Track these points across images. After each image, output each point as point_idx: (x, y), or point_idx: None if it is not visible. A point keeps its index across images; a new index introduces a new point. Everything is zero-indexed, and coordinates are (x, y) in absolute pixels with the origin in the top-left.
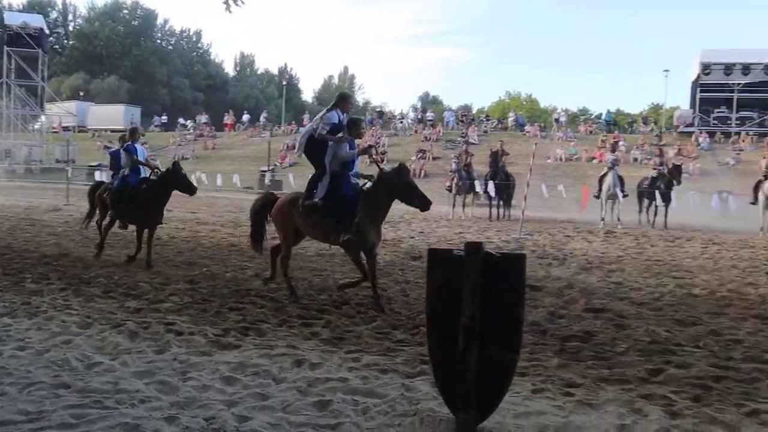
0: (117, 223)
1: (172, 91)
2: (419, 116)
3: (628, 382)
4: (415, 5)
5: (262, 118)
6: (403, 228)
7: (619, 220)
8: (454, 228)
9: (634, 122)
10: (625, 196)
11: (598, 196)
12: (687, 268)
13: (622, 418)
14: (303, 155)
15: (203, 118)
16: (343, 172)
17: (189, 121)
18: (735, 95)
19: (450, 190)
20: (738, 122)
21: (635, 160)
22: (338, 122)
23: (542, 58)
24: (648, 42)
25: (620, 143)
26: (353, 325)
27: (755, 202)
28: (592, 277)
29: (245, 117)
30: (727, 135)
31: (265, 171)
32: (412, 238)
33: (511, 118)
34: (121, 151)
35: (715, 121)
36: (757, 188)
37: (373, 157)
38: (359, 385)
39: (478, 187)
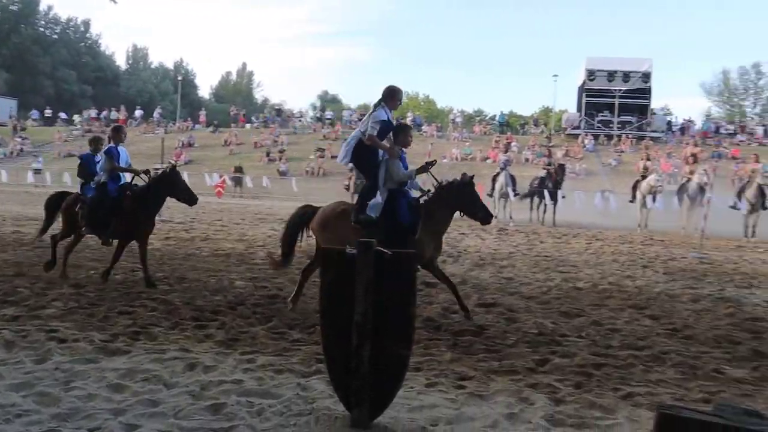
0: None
1: (57, 83)
2: (318, 115)
3: (517, 372)
4: (314, 4)
5: (156, 114)
6: None
7: (511, 218)
8: None
9: (526, 124)
10: (516, 195)
11: (491, 195)
12: (573, 263)
13: (511, 407)
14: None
15: (93, 112)
16: (401, 189)
17: (76, 115)
18: (617, 101)
19: (348, 189)
20: (619, 126)
21: (526, 160)
22: (387, 119)
23: (440, 59)
24: (540, 47)
25: (512, 144)
26: (249, 325)
27: (633, 200)
28: (484, 273)
29: (138, 112)
30: (610, 137)
31: (158, 169)
32: (310, 237)
33: (409, 118)
34: (101, 154)
35: (599, 125)
36: (635, 187)
37: (431, 173)
38: (254, 386)
39: None
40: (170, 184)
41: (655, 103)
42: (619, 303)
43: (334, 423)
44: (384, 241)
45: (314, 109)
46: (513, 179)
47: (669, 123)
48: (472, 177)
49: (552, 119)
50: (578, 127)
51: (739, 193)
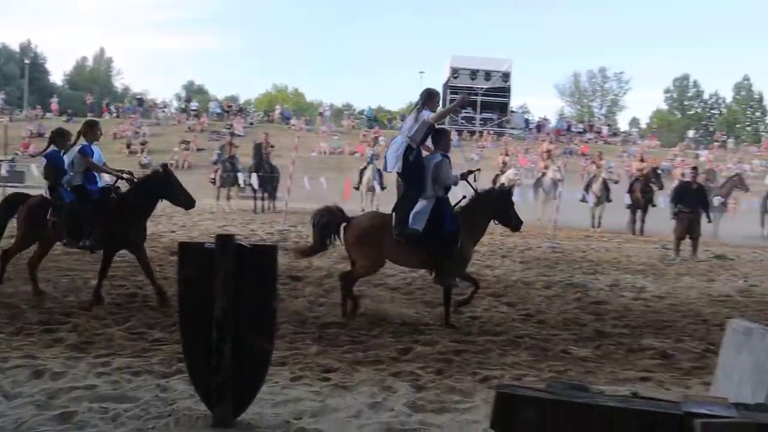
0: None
1: None
2: (183, 105)
3: (381, 362)
4: None
5: None
6: (164, 222)
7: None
8: (218, 221)
9: (393, 119)
10: (384, 188)
11: (358, 188)
12: None
13: (374, 397)
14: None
15: None
16: (445, 197)
17: None
18: (479, 98)
19: (214, 183)
20: (481, 122)
21: None
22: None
23: (310, 52)
24: (407, 43)
25: (380, 138)
26: (104, 327)
27: None
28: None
29: None
30: (473, 133)
31: (2, 161)
32: (173, 232)
33: (277, 110)
34: (76, 153)
35: (463, 121)
36: (495, 181)
37: (471, 182)
38: (109, 390)
39: (242, 180)
40: (163, 185)
41: (514, 101)
42: (479, 293)
43: (195, 423)
44: (429, 254)
45: (179, 99)
46: (380, 173)
47: (527, 121)
48: (511, 187)
49: None
50: (443, 123)
51: (587, 187)
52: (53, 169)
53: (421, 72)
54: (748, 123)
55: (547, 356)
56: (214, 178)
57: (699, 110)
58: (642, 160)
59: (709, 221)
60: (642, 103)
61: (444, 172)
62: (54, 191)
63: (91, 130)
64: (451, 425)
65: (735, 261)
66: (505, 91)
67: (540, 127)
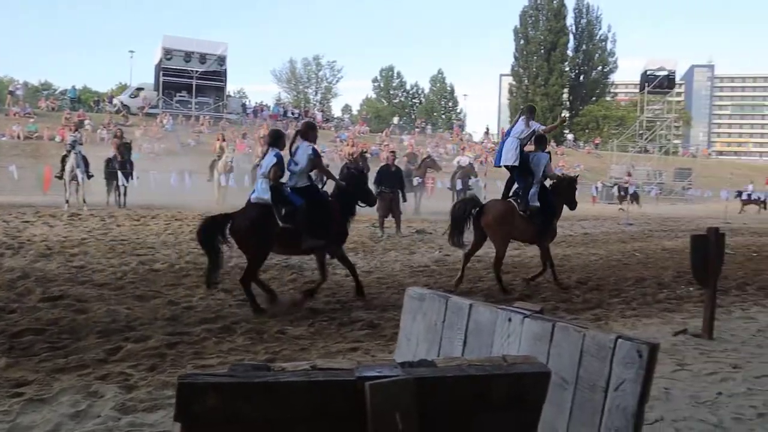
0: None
1: None
2: None
3: (86, 366)
4: None
5: None
6: None
7: (84, 201)
8: None
9: (102, 101)
10: (90, 176)
11: (60, 177)
12: (150, 245)
13: (77, 405)
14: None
15: None
16: (544, 183)
17: None
18: (194, 81)
19: None
20: (197, 106)
21: (102, 139)
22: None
23: None
24: (117, 20)
25: (86, 122)
26: None
27: (211, 179)
28: (52, 263)
29: None
30: (189, 117)
31: None
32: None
33: None
34: (311, 153)
35: (178, 105)
36: (212, 167)
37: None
38: None
39: None
40: (360, 184)
41: (231, 87)
42: (195, 281)
43: None
44: (541, 224)
45: None
46: (85, 160)
47: (244, 106)
48: (577, 177)
49: None
50: (156, 107)
51: None
52: (282, 171)
53: (131, 51)
54: (443, 111)
55: (263, 339)
56: None
57: (403, 99)
58: (352, 145)
59: (404, 200)
60: (353, 92)
61: (550, 167)
62: (277, 194)
63: (312, 132)
64: (164, 422)
65: (432, 234)
66: (221, 75)
67: (257, 112)
